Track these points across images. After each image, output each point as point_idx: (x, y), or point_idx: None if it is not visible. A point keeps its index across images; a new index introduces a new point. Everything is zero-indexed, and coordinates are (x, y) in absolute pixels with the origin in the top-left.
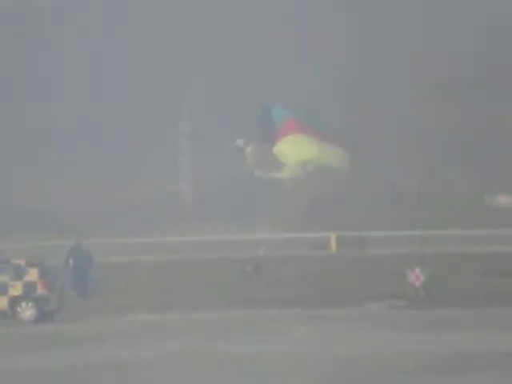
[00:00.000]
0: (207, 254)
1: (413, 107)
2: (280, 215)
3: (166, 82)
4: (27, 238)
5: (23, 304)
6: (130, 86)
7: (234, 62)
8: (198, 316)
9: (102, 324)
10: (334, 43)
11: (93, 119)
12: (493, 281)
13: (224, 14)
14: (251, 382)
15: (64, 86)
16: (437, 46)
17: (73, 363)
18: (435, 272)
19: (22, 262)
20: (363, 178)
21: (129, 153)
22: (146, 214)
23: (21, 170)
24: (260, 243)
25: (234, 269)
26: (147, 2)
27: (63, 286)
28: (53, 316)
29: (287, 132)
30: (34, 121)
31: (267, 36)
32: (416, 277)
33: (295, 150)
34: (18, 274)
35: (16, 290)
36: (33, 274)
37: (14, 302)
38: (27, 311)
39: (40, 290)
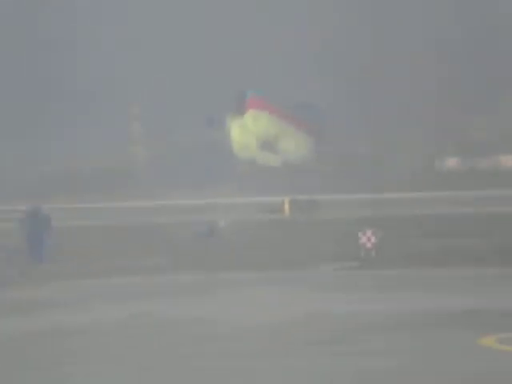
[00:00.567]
0: (162, 218)
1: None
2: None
3: None
4: None
5: None
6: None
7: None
8: (148, 280)
9: (54, 290)
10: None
11: None
12: (442, 241)
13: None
14: (194, 343)
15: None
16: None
17: (25, 329)
18: (386, 234)
19: None
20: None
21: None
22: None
23: None
24: (216, 208)
25: (188, 233)
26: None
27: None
28: None
29: (251, 106)
30: None
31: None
32: (367, 239)
33: (254, 124)
34: None
35: None
36: None
37: None
38: None
39: None
